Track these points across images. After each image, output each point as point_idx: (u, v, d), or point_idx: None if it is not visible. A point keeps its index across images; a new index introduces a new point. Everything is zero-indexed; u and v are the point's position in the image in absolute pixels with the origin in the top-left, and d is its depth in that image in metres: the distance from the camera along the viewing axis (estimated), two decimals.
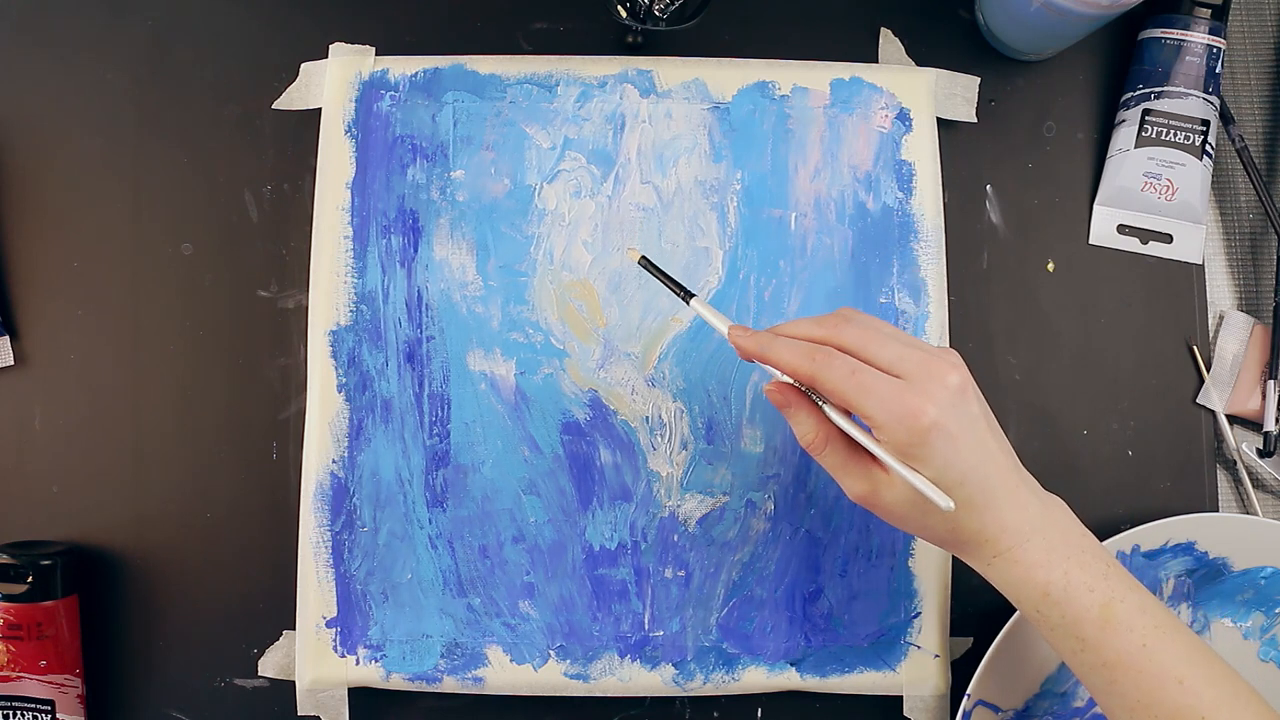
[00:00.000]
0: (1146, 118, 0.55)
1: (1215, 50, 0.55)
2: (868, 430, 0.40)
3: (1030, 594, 0.40)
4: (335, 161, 0.53)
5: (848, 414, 0.41)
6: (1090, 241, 0.56)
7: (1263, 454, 0.55)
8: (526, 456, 0.52)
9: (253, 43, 0.56)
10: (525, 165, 0.54)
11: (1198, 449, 0.55)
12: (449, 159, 0.54)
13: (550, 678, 0.51)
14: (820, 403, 0.42)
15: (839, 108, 0.54)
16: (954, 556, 0.52)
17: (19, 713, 0.50)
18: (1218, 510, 0.55)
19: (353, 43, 0.54)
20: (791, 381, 0.42)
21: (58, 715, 0.50)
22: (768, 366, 0.43)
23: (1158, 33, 0.55)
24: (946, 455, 0.39)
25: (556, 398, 0.52)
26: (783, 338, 0.42)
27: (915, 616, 0.52)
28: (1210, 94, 0.55)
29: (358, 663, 0.51)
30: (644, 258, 0.47)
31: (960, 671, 0.52)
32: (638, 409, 0.53)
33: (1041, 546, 0.40)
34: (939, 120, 0.55)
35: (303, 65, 0.54)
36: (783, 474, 0.52)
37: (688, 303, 0.45)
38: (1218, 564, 0.52)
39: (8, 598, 0.49)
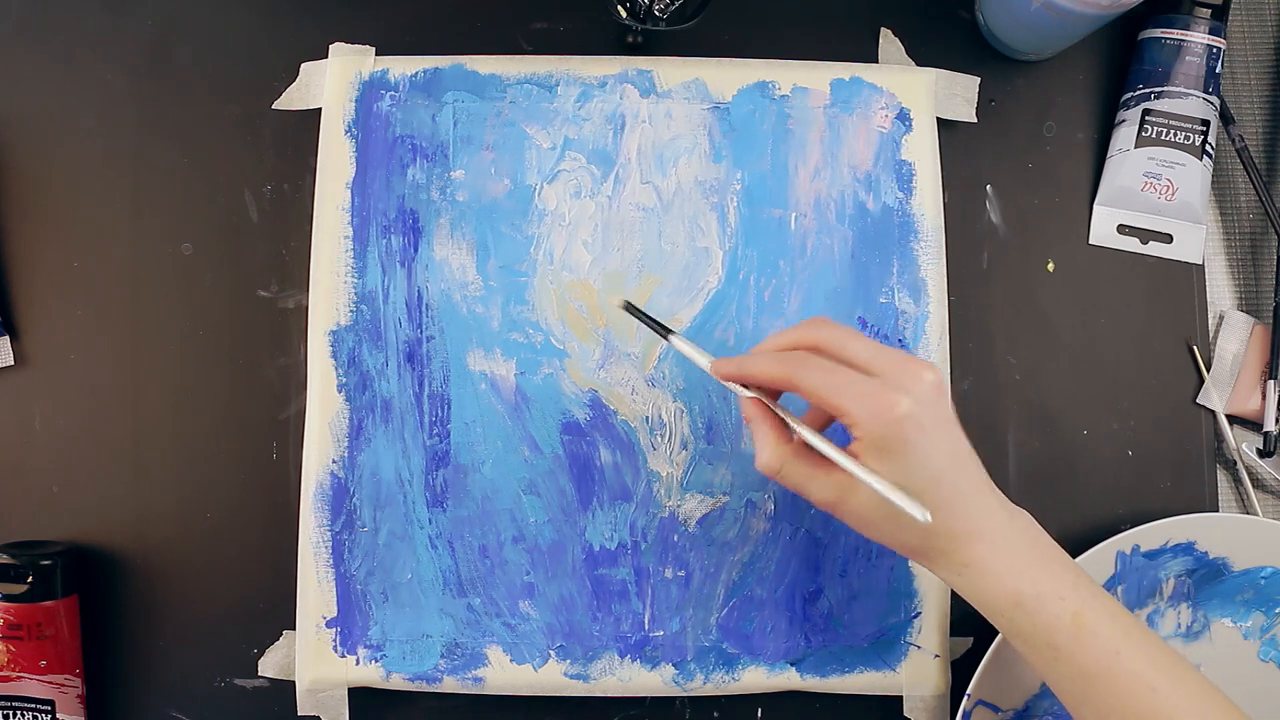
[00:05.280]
0: (1146, 118, 0.55)
1: (1215, 50, 0.55)
2: (839, 446, 0.40)
3: (1002, 603, 0.40)
4: (335, 161, 0.53)
5: (815, 431, 0.41)
6: (1090, 241, 0.56)
7: (1263, 454, 0.55)
8: (526, 456, 0.52)
9: (253, 43, 0.56)
10: (525, 165, 0.54)
11: (1198, 449, 0.55)
12: (449, 159, 0.54)
13: (550, 678, 0.51)
14: (786, 421, 0.42)
15: (839, 108, 0.54)
16: None
17: (19, 713, 0.50)
18: (1218, 510, 0.55)
19: (353, 43, 0.54)
20: (760, 398, 0.43)
21: (58, 715, 0.50)
22: (739, 388, 0.43)
23: (1158, 33, 0.55)
24: (921, 450, 0.39)
25: (556, 398, 0.52)
26: (758, 354, 0.42)
27: (915, 616, 0.52)
28: (1210, 94, 0.55)
29: (358, 663, 0.51)
30: (627, 303, 0.46)
31: (960, 671, 0.52)
32: (638, 409, 0.53)
33: (1011, 555, 0.40)
34: (939, 120, 0.55)
35: (303, 65, 0.54)
36: None
37: (667, 339, 0.45)
38: (1218, 564, 0.52)
39: (8, 598, 0.49)
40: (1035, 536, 0.41)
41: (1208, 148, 0.55)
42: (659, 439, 0.52)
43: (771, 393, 0.43)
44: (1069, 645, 0.39)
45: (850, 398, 0.39)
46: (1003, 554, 0.40)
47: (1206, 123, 0.55)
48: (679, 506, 0.52)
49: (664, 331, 0.45)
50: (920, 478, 0.39)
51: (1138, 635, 0.40)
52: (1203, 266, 0.56)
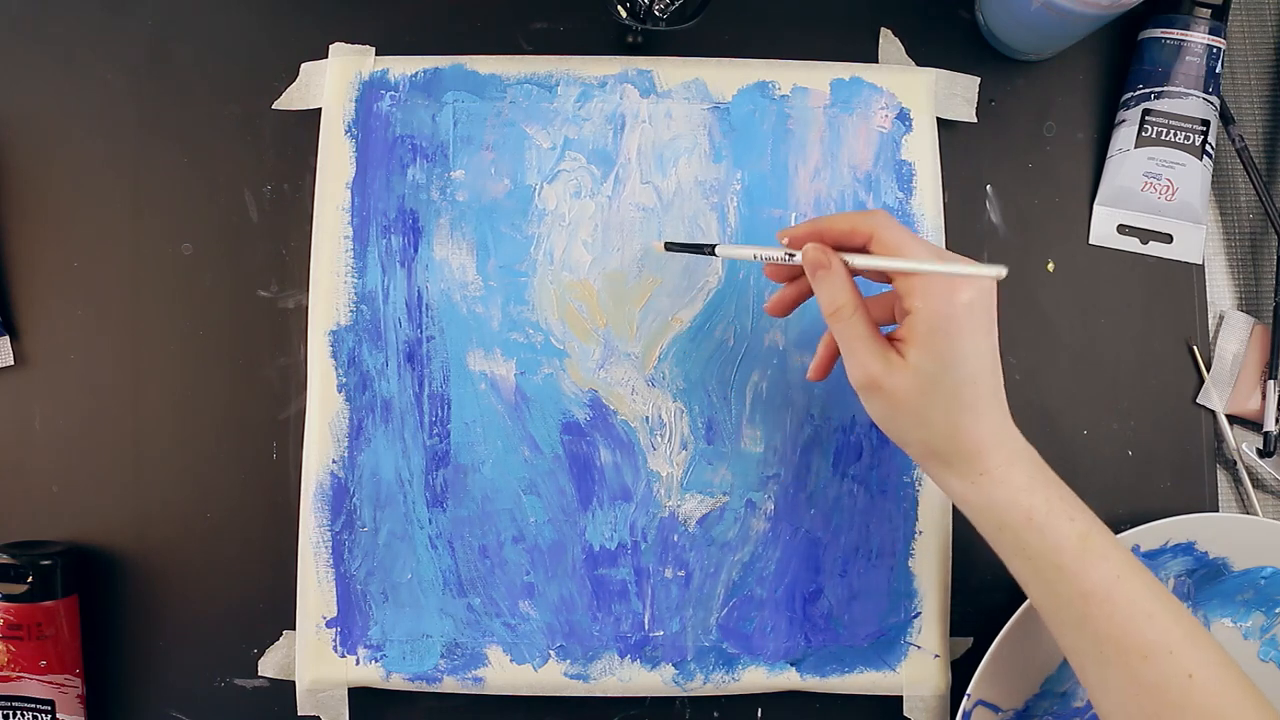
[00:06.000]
0: (1146, 118, 0.55)
1: (1215, 50, 0.55)
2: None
3: (1014, 517, 0.40)
4: (335, 161, 0.53)
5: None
6: (1090, 241, 0.56)
7: (1263, 454, 0.55)
8: (526, 456, 0.52)
9: (253, 43, 0.56)
10: (525, 165, 0.54)
11: (1198, 449, 0.55)
12: (449, 159, 0.54)
13: (550, 678, 0.51)
14: (850, 265, 0.43)
15: (839, 108, 0.54)
16: (951, 558, 0.52)
17: (19, 713, 0.50)
18: (1218, 510, 0.55)
19: (353, 43, 0.54)
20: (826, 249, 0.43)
21: (58, 715, 0.50)
22: (776, 252, 0.44)
23: (1158, 33, 0.55)
24: (968, 344, 0.39)
25: (556, 398, 0.52)
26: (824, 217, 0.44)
27: (915, 616, 0.52)
28: (1210, 94, 0.55)
29: (358, 663, 0.51)
30: (668, 243, 0.50)
31: (960, 671, 0.52)
32: (638, 409, 0.53)
33: (1025, 471, 0.41)
34: (939, 120, 0.55)
35: (303, 65, 0.54)
36: (783, 474, 0.52)
37: (714, 253, 0.48)
38: (1218, 564, 0.52)
39: (8, 598, 0.49)
40: (1042, 461, 0.42)
41: (1208, 148, 0.55)
42: (659, 439, 0.52)
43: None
44: (1074, 565, 0.40)
45: (924, 270, 0.40)
46: (1018, 468, 0.41)
47: (1206, 123, 0.55)
48: (679, 506, 0.52)
49: (710, 249, 0.48)
50: (959, 371, 0.39)
51: (1136, 564, 0.40)
52: (1203, 266, 0.56)
